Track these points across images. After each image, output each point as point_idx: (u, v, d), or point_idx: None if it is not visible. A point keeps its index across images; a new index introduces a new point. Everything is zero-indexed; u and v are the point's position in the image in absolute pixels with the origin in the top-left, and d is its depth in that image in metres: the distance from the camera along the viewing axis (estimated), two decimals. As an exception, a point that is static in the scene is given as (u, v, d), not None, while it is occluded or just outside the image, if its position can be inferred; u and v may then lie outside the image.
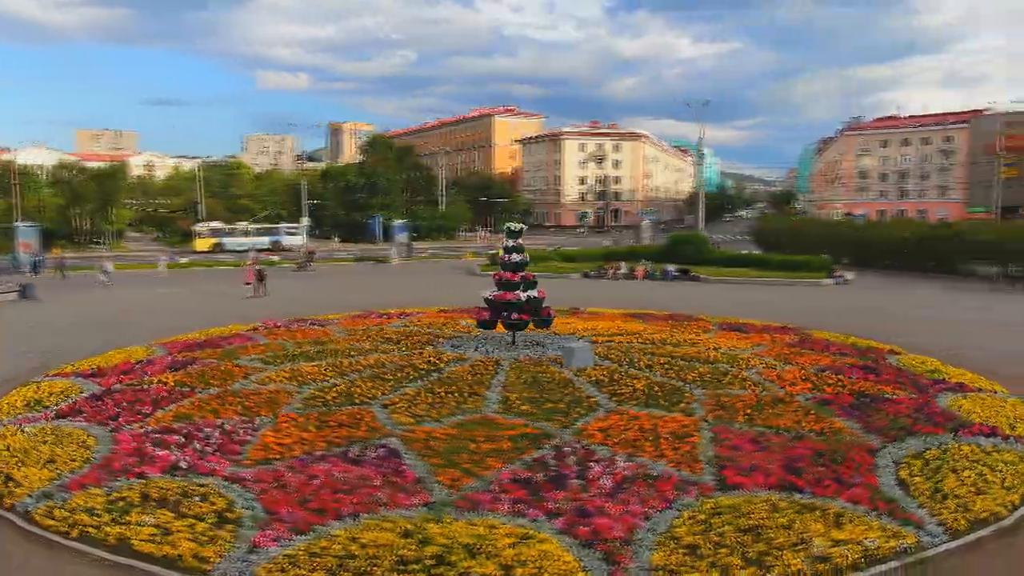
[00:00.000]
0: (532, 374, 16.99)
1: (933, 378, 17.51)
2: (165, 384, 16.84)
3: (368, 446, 12.51)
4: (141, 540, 9.55)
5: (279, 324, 25.30)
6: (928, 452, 12.44)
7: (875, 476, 11.43)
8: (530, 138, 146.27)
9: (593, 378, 16.64)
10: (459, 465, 11.69)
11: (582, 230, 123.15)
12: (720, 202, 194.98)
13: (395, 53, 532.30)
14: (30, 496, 10.96)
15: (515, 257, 20.03)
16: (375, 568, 8.78)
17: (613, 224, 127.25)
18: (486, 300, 20.12)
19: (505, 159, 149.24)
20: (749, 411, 14.35)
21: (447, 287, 41.56)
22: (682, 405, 14.70)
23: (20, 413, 15.10)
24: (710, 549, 9.21)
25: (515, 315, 19.59)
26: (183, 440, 13.04)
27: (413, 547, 9.18)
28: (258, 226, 78.36)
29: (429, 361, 18.43)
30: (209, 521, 9.97)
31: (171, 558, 9.17)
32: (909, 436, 13.14)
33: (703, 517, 10.00)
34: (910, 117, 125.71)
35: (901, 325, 26.72)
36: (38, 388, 16.83)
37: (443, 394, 15.39)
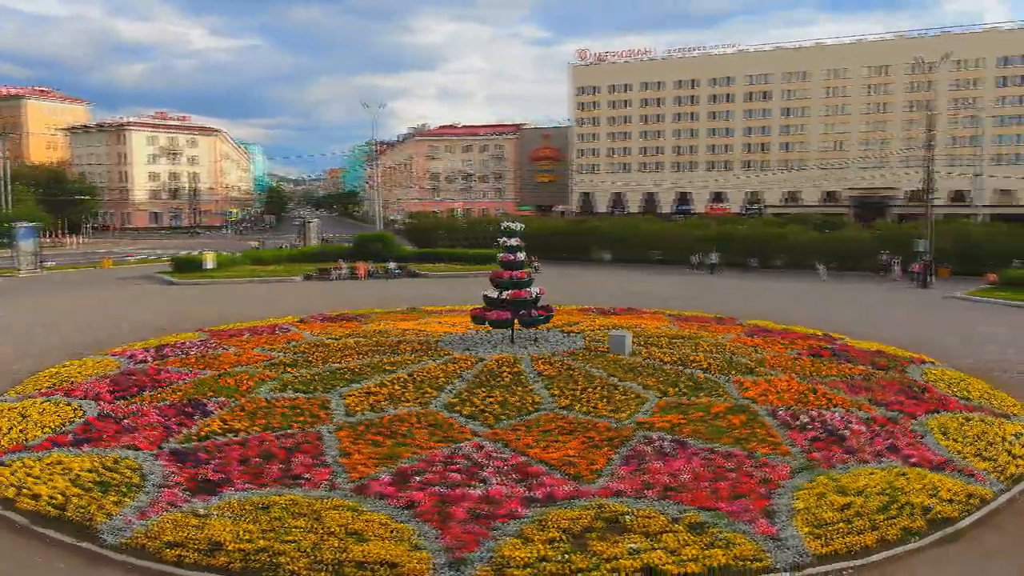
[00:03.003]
0: (616, 363, 18.17)
1: (801, 331, 23.66)
2: (257, 433, 13.52)
3: (644, 442, 12.84)
4: (668, 564, 9.11)
5: (145, 356, 20.21)
6: (931, 374, 17.93)
7: (947, 395, 16.25)
8: (82, 127, 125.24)
9: (666, 360, 18.69)
10: (746, 441, 13.02)
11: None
12: (282, 201, 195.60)
13: None
14: (434, 571, 9.02)
15: (520, 256, 20.31)
16: (878, 517, 10.23)
17: (198, 225, 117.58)
18: (499, 301, 19.88)
19: (42, 150, 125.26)
20: (800, 367, 18.17)
21: (170, 301, 35.42)
22: (759, 371, 17.80)
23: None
24: (992, 452, 12.75)
25: (535, 312, 19.95)
26: (461, 477, 11.46)
27: (867, 494, 10.79)
28: None
29: (497, 365, 17.96)
30: (682, 528, 9.88)
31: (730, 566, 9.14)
32: (904, 369, 18.51)
33: (943, 435, 13.50)
34: (466, 127, 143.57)
35: (656, 299, 33.38)
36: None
37: (589, 390, 15.84)
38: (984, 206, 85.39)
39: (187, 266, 45.41)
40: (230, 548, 9.47)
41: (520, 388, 15.95)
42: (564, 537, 9.70)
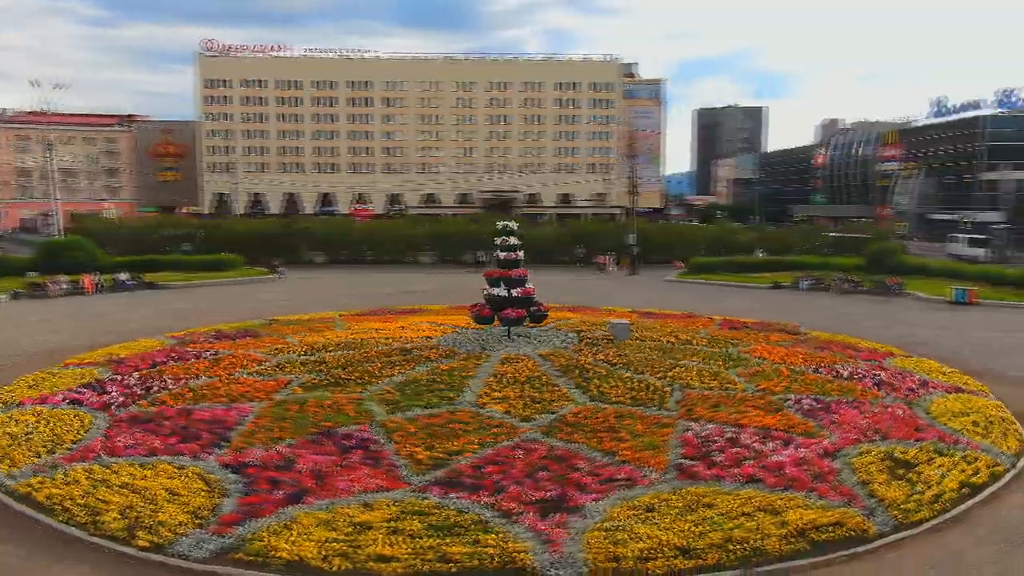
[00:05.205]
0: (651, 348, 20.07)
1: (673, 312, 28.00)
2: (482, 451, 12.40)
3: (795, 403, 15.25)
4: (972, 479, 11.93)
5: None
6: (814, 334, 23.36)
7: (860, 346, 21.61)
8: None
9: (673, 342, 21.09)
10: (844, 392, 16.28)
11: None
12: None
13: None
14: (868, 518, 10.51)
15: (520, 255, 20.25)
16: (999, 424, 14.30)
17: None
18: (512, 299, 19.52)
19: None
20: (755, 338, 22.09)
21: None
22: (743, 343, 21.21)
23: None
24: (956, 380, 17.97)
25: (542, 308, 20.13)
26: (748, 451, 12.64)
27: (969, 412, 14.87)
28: None
29: (564, 360, 18.32)
30: (934, 454, 12.71)
31: None
32: (807, 333, 23.72)
33: (917, 370, 18.43)
34: (63, 115, 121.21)
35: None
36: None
37: (678, 370, 17.54)
38: (551, 206, 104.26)
39: None
40: (700, 547, 9.47)
41: (626, 376, 16.91)
42: (889, 477, 11.73)
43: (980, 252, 55.76)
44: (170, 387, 16.19)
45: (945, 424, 14.29)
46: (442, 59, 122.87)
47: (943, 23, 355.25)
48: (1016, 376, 19.36)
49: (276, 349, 20.18)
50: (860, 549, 9.92)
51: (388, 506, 10.37)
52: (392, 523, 9.89)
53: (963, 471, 12.03)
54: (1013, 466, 12.76)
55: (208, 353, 19.75)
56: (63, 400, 15.39)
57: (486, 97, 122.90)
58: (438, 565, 9.06)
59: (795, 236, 60.09)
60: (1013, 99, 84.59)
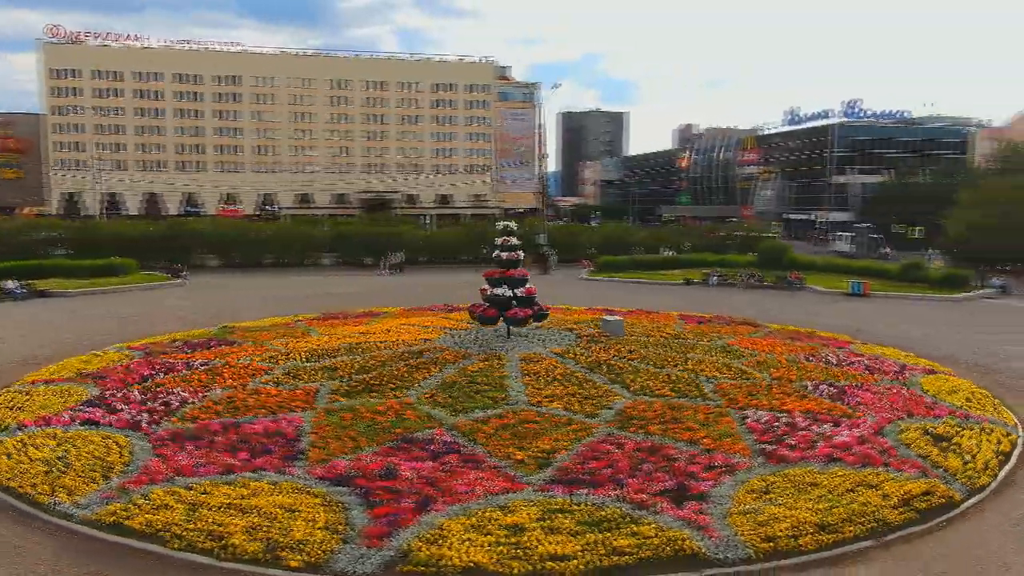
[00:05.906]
0: (659, 345, 20.68)
1: (625, 309, 29.02)
2: (574, 449, 12.47)
3: (814, 389, 16.42)
4: (1002, 445, 13.52)
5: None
6: (772, 326, 25.10)
7: (819, 335, 23.47)
8: None
9: (665, 336, 21.80)
10: (847, 377, 17.67)
11: None
12: None
13: None
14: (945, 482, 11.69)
15: (520, 255, 20.18)
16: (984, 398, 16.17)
17: None
18: (517, 298, 19.40)
19: None
20: (728, 332, 23.34)
21: None
22: (725, 335, 22.31)
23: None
24: (913, 361, 20.03)
25: (544, 307, 20.18)
26: (829, 428, 13.55)
27: (961, 388, 16.69)
28: None
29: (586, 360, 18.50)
30: (959, 427, 14.21)
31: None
32: (766, 326, 25.34)
33: (886, 355, 20.34)
34: None
35: (400, 298, 35.08)
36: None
37: (693, 363, 18.27)
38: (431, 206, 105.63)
39: None
40: (834, 522, 10.25)
41: (652, 371, 17.56)
42: (938, 450, 13.03)
43: (851, 248, 62.09)
44: (191, 401, 15.05)
45: (947, 401, 15.93)
46: (315, 56, 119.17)
47: (788, 32, 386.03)
48: (964, 359, 21.62)
49: (271, 357, 19.14)
50: (951, 514, 11.03)
51: (526, 506, 10.34)
52: (543, 522, 9.89)
53: (989, 441, 13.54)
54: (1018, 434, 14.51)
55: (198, 364, 18.43)
56: (73, 420, 13.96)
57: (362, 96, 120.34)
58: (614, 558, 9.19)
59: (685, 235, 63.57)
60: (857, 109, 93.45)
